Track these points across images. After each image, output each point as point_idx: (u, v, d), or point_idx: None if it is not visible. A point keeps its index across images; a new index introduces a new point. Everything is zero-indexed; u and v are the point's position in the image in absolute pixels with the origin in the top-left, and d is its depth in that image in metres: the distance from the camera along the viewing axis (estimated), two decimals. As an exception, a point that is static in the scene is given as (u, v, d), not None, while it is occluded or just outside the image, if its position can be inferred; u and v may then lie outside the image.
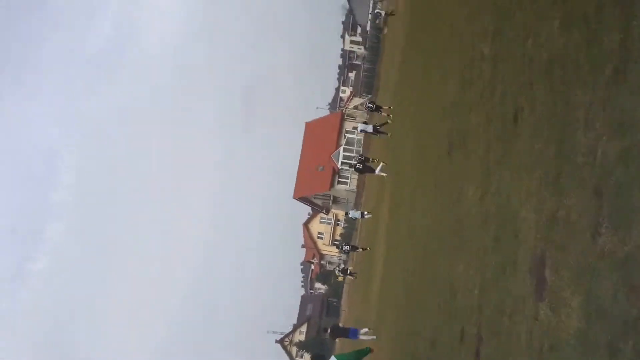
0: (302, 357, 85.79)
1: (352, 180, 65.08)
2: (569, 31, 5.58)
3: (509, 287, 6.38)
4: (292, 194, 76.75)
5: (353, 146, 64.43)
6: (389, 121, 27.82)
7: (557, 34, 5.90)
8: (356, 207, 51.98)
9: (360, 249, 39.03)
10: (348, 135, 68.98)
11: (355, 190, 62.51)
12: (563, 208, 5.17)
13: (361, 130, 31.96)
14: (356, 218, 41.76)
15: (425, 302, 11.00)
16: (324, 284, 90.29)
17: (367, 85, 66.17)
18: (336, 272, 49.90)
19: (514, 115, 7.04)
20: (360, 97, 71.20)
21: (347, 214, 47.23)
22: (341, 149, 67.60)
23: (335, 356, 11.66)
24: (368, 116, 46.46)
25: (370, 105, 35.45)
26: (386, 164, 25.72)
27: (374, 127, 28.88)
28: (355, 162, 29.14)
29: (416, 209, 15.22)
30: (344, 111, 74.41)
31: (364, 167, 28.24)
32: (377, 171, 26.93)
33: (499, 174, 7.44)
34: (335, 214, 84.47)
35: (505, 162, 7.26)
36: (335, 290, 73.44)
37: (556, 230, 5.25)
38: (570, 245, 4.90)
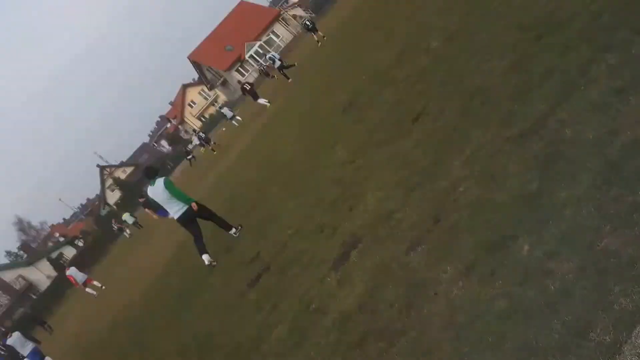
0: (112, 191, 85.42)
1: (249, 76, 63.90)
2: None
3: (318, 244, 6.64)
4: (190, 53, 74.22)
5: (270, 48, 62.98)
6: (294, 64, 28.81)
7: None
8: (232, 106, 50.82)
9: (211, 148, 39.09)
10: (272, 36, 67.46)
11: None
12: (402, 212, 5.42)
13: (269, 57, 32.85)
14: (225, 116, 41.52)
15: (249, 216, 11.18)
16: (170, 144, 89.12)
17: (318, 5, 64.15)
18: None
19: (417, 115, 7.23)
20: (304, 11, 69.53)
21: (220, 107, 46.49)
22: (258, 44, 66.04)
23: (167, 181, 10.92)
24: (302, 31, 45.82)
25: (308, 23, 34.95)
26: (270, 104, 26.46)
27: (281, 63, 29.96)
28: (244, 83, 30.71)
29: (282, 142, 15.36)
30: (282, 12, 72.46)
31: (251, 90, 29.44)
32: (260, 100, 28.05)
33: (371, 153, 7.66)
34: (216, 95, 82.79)
35: (382, 148, 7.47)
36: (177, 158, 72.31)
37: (385, 226, 5.49)
38: (386, 245, 5.16)
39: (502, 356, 2.92)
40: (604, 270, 2.83)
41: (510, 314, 3.11)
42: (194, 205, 10.53)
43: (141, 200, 36.15)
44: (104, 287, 26.08)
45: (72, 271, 27.53)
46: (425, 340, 3.57)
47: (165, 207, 10.54)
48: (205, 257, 10.62)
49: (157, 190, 10.42)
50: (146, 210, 32.58)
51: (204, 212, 10.73)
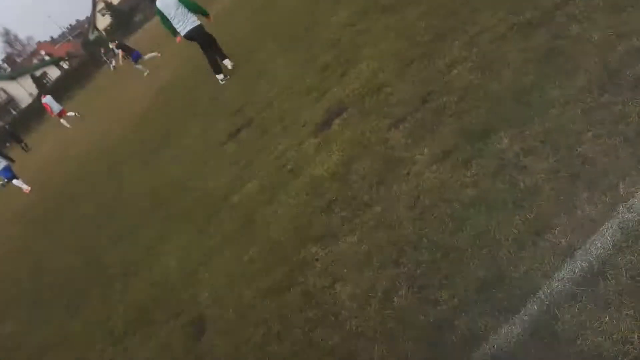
0: (103, 15, 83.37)
1: None
2: None
3: (303, 107, 6.63)
4: None
5: None
6: None
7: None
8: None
9: None
10: None
11: None
12: (393, 86, 5.36)
13: None
14: None
15: (239, 66, 11.01)
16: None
17: None
18: None
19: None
20: None
21: None
22: None
23: None
24: None
25: None
26: None
27: None
28: None
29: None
30: None
31: None
32: None
33: (374, 18, 7.45)
34: None
35: (386, 14, 7.25)
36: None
37: (372, 99, 5.44)
38: (370, 118, 5.14)
39: (458, 241, 3.02)
40: (576, 175, 2.86)
41: (476, 203, 3.18)
42: (211, 17, 10.52)
43: (113, 43, 33.58)
44: (78, 115, 26.05)
45: (48, 99, 27.37)
46: (388, 216, 3.67)
47: (173, 21, 10.29)
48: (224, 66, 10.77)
49: (168, 1, 10.15)
50: (119, 51, 30.58)
51: (209, 39, 10.63)
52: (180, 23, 10.26)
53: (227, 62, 10.73)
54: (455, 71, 4.72)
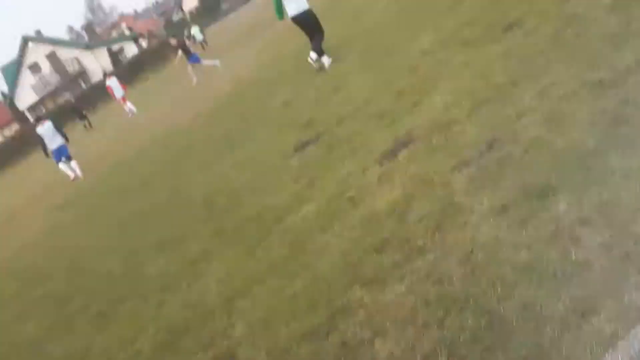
0: None
1: None
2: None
3: (373, 131, 6.95)
4: None
5: None
6: None
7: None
8: None
9: None
10: None
11: None
12: (462, 125, 5.51)
13: None
14: None
15: (314, 77, 11.33)
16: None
17: None
18: None
19: (510, 25, 7.06)
20: None
21: None
22: None
23: None
24: None
25: None
26: None
27: None
28: None
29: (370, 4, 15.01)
30: None
31: None
32: None
33: (454, 50, 7.63)
34: None
35: (466, 48, 7.43)
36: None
37: (441, 135, 5.63)
38: (435, 155, 5.34)
39: (505, 309, 3.13)
40: (627, 256, 2.94)
41: (526, 269, 3.29)
42: None
43: (174, 41, 29.09)
44: (134, 113, 26.72)
45: (112, 82, 27.86)
46: (440, 267, 3.80)
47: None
48: (325, 59, 11.39)
49: None
50: (179, 51, 26.21)
51: (314, 21, 11.34)
52: (292, 2, 11.03)
53: (323, 58, 11.32)
54: (523, 120, 4.86)
